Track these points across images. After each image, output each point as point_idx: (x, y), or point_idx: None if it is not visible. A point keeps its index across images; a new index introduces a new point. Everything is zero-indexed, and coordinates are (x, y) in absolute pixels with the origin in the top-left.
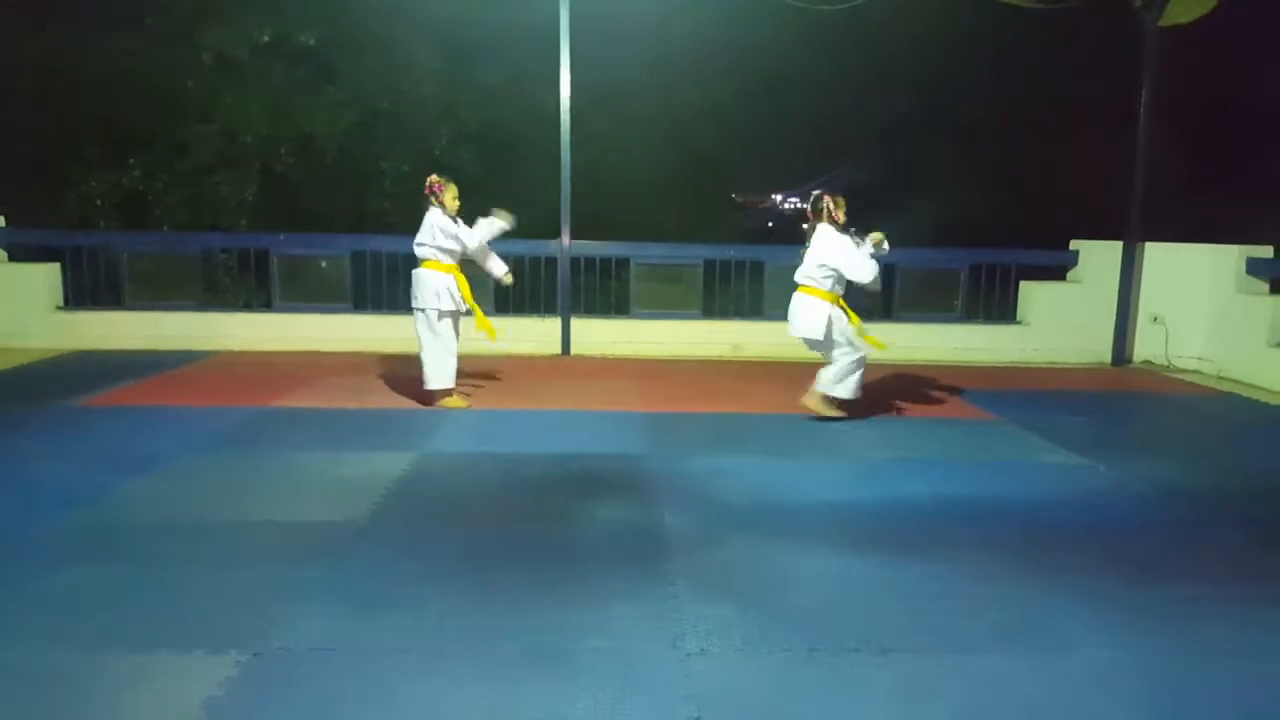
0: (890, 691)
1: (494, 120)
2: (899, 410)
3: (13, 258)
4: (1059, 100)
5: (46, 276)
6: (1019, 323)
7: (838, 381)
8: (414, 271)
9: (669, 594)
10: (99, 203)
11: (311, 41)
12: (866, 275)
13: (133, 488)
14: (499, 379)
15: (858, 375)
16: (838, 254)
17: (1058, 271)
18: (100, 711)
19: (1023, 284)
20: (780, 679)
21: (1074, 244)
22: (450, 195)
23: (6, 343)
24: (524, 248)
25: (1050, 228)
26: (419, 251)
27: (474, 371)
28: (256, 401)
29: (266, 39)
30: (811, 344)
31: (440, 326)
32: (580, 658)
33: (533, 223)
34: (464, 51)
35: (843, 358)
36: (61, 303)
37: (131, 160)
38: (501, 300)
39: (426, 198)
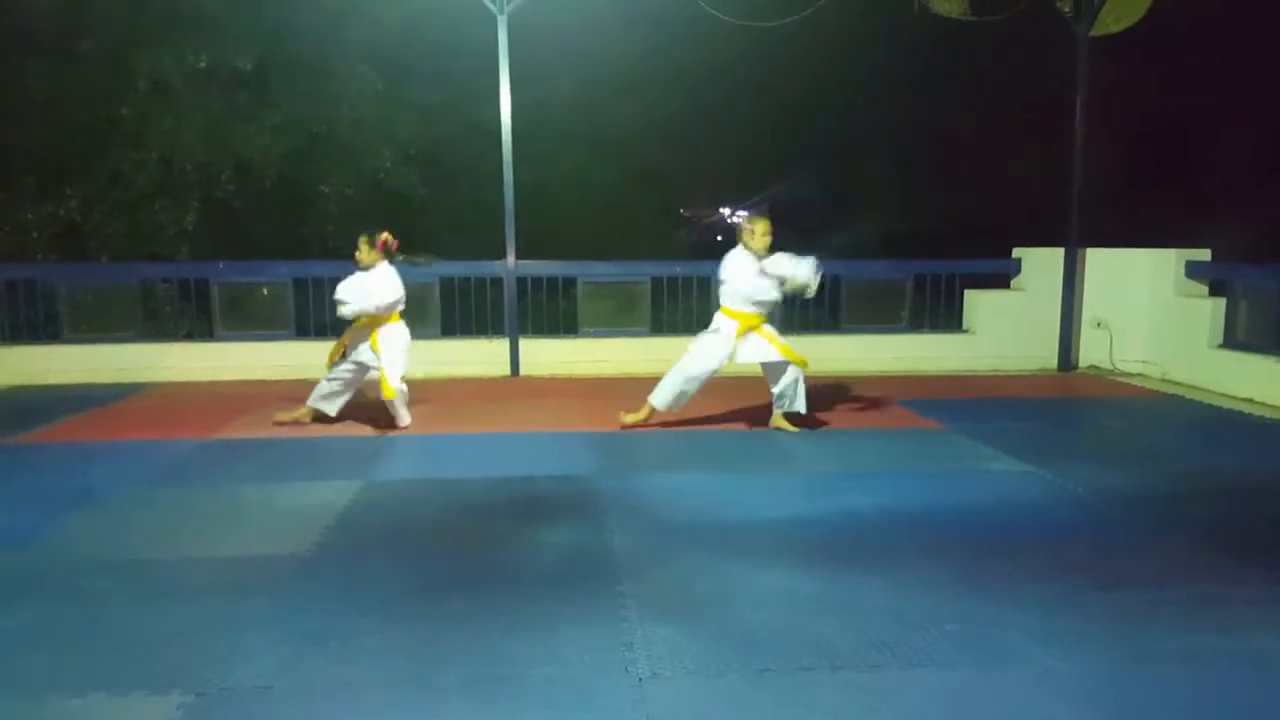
0: (842, 710)
1: (436, 141)
2: (845, 423)
3: None
4: (997, 111)
5: None
6: (965, 331)
7: (793, 398)
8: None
9: (620, 617)
10: (35, 234)
11: (248, 66)
12: (752, 293)
13: (70, 525)
14: (447, 402)
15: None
16: (724, 271)
17: (1001, 279)
18: None
19: (967, 293)
20: (733, 701)
21: (1016, 252)
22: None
23: None
24: (468, 269)
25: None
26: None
27: (422, 395)
28: (198, 433)
29: (203, 64)
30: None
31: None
32: (530, 686)
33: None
34: (403, 73)
35: (788, 375)
36: None
37: (68, 190)
38: (448, 322)
39: (388, 253)
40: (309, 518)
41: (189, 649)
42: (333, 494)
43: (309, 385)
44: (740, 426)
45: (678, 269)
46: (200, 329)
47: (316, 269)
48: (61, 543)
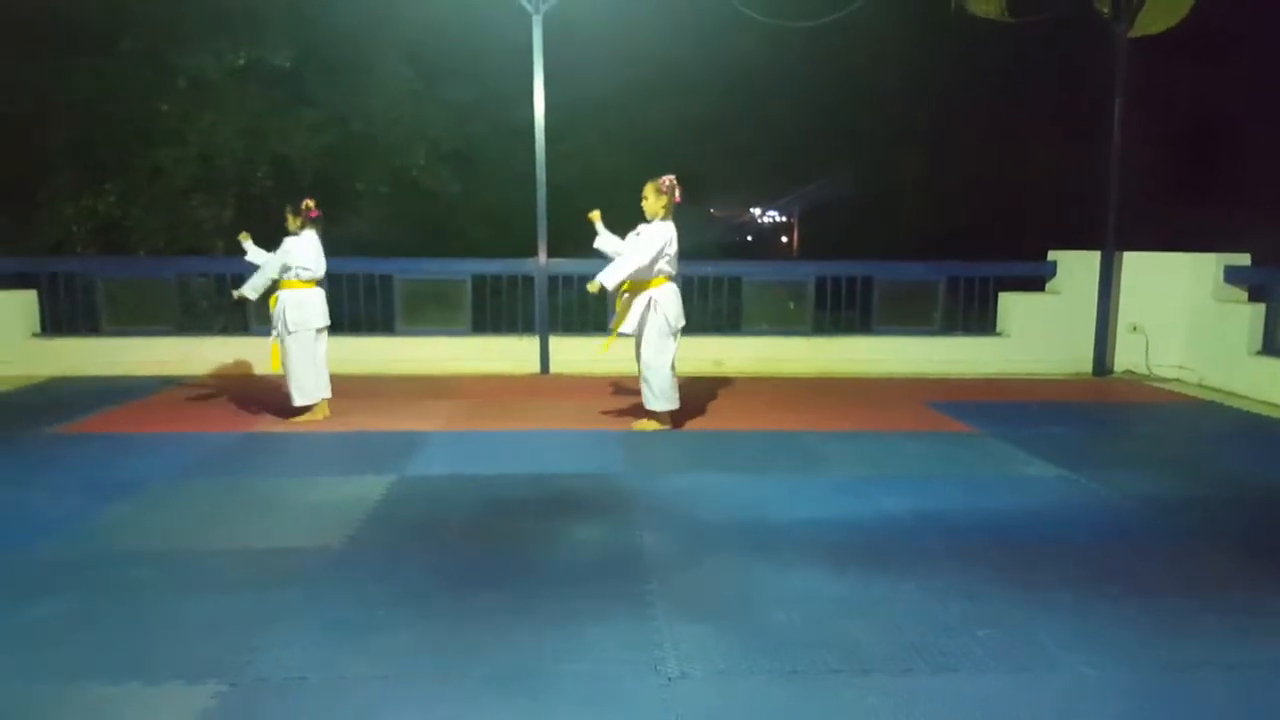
0: (872, 712)
1: (469, 139)
2: (876, 425)
3: None
4: (1033, 112)
5: (23, 304)
6: (998, 334)
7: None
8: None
9: (648, 615)
10: (75, 229)
11: (286, 64)
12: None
13: (107, 516)
14: (477, 399)
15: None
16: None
17: (1036, 282)
18: None
19: (1001, 295)
20: (762, 702)
21: (1052, 255)
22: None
23: None
24: (501, 266)
25: (1028, 239)
26: (313, 274)
27: (453, 392)
28: (233, 427)
29: (241, 62)
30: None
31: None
32: (560, 681)
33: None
34: (438, 71)
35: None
36: (38, 330)
37: (108, 185)
38: (479, 319)
39: (313, 220)
40: (342, 511)
41: (224, 639)
42: (366, 488)
43: (343, 380)
44: (769, 426)
45: (708, 269)
46: (235, 323)
47: (351, 265)
48: (100, 533)
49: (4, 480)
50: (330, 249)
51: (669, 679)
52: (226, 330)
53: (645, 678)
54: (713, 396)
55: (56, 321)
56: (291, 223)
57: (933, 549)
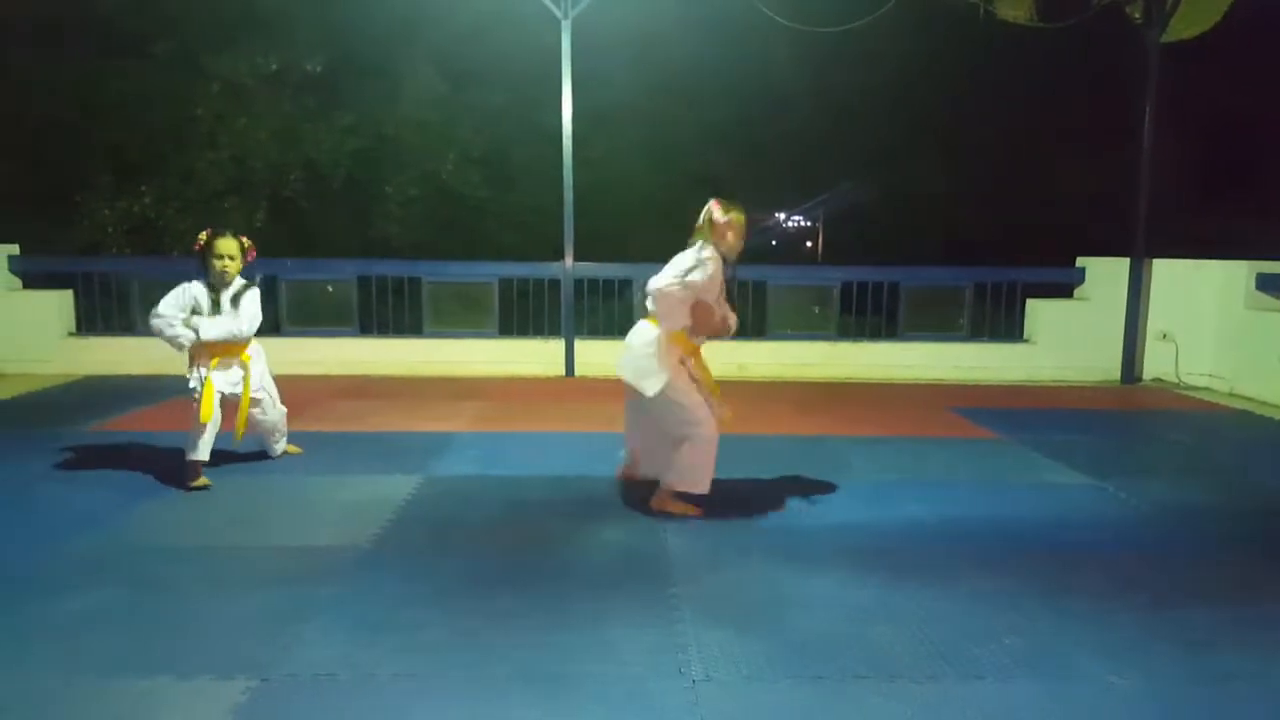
0: (899, 719)
1: (497, 143)
2: (901, 431)
3: (27, 285)
4: (1062, 117)
5: (59, 303)
6: (1025, 341)
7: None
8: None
9: (674, 618)
10: (110, 230)
11: (318, 69)
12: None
13: (140, 512)
14: (503, 401)
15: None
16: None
17: (1064, 289)
18: None
19: (1029, 302)
20: (788, 707)
21: (1080, 261)
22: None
23: (20, 369)
24: (528, 270)
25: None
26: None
27: (479, 394)
28: None
29: (274, 67)
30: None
31: None
32: (585, 683)
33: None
34: (467, 76)
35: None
36: (74, 329)
37: (143, 187)
38: (506, 322)
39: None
40: (370, 510)
41: (254, 636)
42: (393, 488)
43: (372, 381)
44: (795, 430)
45: (732, 272)
46: (266, 324)
47: (380, 268)
48: (134, 529)
49: (42, 476)
50: (361, 251)
51: (693, 682)
52: (259, 331)
53: (670, 680)
54: (736, 401)
55: (91, 321)
56: (240, 265)
57: (958, 556)
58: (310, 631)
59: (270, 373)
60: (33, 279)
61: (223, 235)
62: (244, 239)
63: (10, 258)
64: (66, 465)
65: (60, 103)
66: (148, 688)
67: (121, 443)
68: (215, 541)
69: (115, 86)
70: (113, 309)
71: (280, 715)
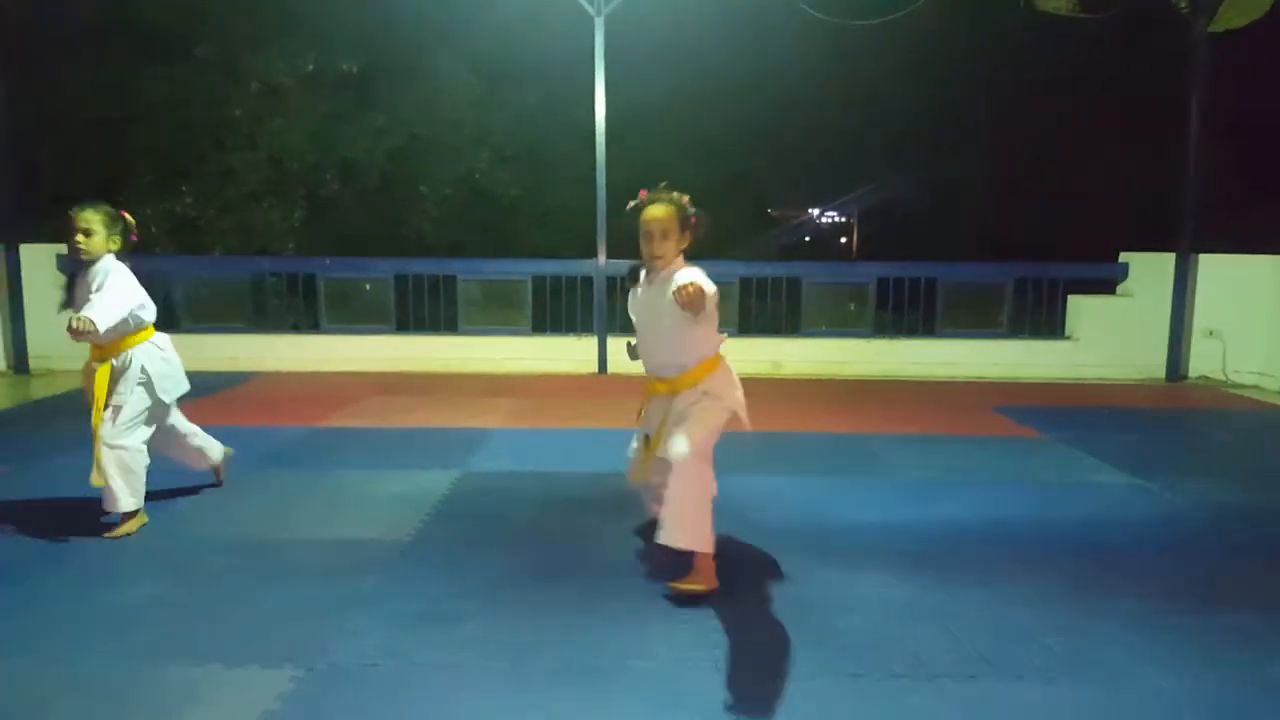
0: (939, 718)
1: (530, 142)
2: (939, 429)
3: None
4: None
5: None
6: (1067, 338)
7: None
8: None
9: (710, 615)
10: (153, 229)
11: (353, 69)
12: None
13: (189, 505)
14: (537, 398)
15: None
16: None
17: (1106, 285)
18: None
19: (1070, 298)
20: (825, 705)
21: (1123, 256)
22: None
23: (65, 366)
24: (560, 267)
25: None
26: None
27: (513, 390)
28: (304, 421)
29: (310, 68)
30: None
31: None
32: (623, 677)
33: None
34: (500, 75)
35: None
36: None
37: (184, 187)
38: (539, 319)
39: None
40: (410, 504)
41: (299, 626)
42: (432, 482)
43: (409, 378)
44: (829, 429)
45: (767, 270)
46: (306, 322)
47: (416, 266)
48: (182, 522)
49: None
50: (395, 250)
51: (729, 677)
52: (297, 328)
53: (707, 677)
54: (771, 398)
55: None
56: (104, 240)
57: (999, 556)
58: (353, 622)
59: (157, 386)
60: None
61: (82, 208)
62: (119, 214)
63: (59, 257)
64: None
65: (105, 105)
66: (198, 675)
67: None
68: (260, 533)
69: (157, 89)
70: (157, 307)
71: (326, 703)
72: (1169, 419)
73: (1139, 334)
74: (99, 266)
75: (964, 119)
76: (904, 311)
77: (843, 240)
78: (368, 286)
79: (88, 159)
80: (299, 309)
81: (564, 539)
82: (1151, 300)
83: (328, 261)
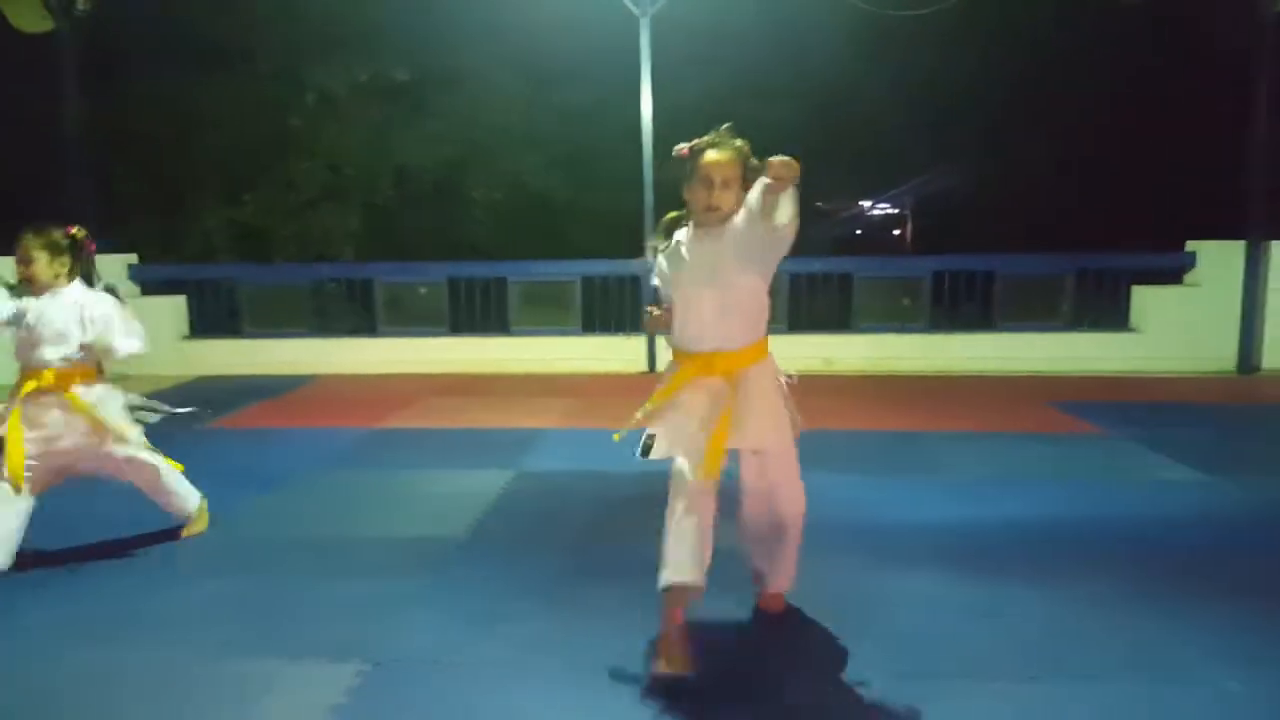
0: (999, 719)
1: (578, 144)
2: (998, 426)
3: (145, 292)
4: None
5: (174, 308)
6: (1131, 330)
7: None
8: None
9: (766, 616)
10: (217, 238)
11: (406, 78)
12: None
13: (253, 505)
14: (588, 397)
15: None
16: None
17: (1173, 275)
18: (235, 715)
19: (1135, 289)
20: (882, 705)
21: (1190, 245)
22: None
23: (140, 370)
24: (609, 267)
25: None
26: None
27: (564, 390)
28: (365, 422)
29: (364, 78)
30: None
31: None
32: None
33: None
34: (547, 78)
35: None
36: (187, 332)
37: (246, 196)
38: (589, 319)
39: (79, 257)
40: (466, 503)
41: (363, 622)
42: (487, 482)
43: (463, 379)
44: (883, 426)
45: (816, 265)
46: (364, 326)
47: (469, 270)
48: (249, 520)
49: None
50: (448, 254)
51: (778, 675)
52: (356, 332)
53: (762, 677)
54: (823, 396)
55: (204, 324)
56: (47, 266)
57: (1060, 556)
58: (415, 619)
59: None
60: (150, 286)
61: (23, 234)
62: (65, 234)
63: (130, 266)
64: (187, 461)
65: (172, 118)
66: (266, 668)
67: (236, 440)
68: (324, 531)
69: (219, 100)
70: (222, 313)
71: (392, 697)
72: (1240, 413)
73: (1208, 325)
74: (70, 300)
75: (1022, 106)
76: (960, 305)
77: (895, 233)
78: (423, 290)
79: (156, 171)
80: (357, 313)
81: (615, 538)
82: (1221, 289)
83: (385, 266)
